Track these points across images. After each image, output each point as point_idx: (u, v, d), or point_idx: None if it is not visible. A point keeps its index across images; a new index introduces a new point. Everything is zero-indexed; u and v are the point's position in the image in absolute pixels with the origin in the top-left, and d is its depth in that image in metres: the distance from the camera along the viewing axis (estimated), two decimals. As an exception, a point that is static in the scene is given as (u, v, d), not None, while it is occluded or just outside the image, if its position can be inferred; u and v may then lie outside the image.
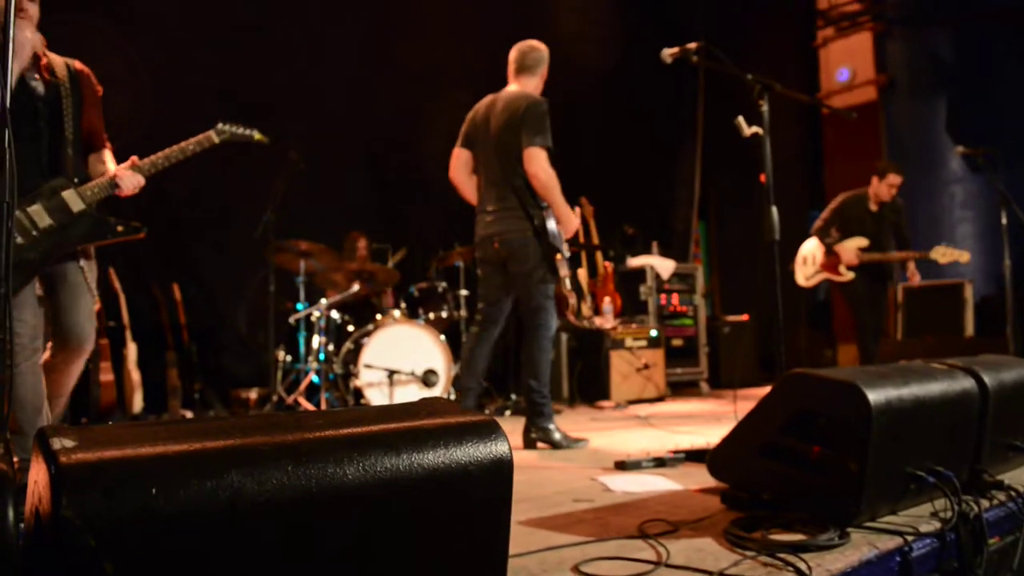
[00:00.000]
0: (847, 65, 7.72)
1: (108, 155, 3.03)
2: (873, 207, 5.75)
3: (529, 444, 3.73)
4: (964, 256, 5.42)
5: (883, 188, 5.67)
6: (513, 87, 4.01)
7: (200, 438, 0.97)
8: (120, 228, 2.86)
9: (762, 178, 2.92)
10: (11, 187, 1.51)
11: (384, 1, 6.94)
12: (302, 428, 1.06)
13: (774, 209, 2.91)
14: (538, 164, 3.67)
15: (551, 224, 3.77)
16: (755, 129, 2.95)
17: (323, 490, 0.99)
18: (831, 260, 5.60)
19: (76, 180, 2.79)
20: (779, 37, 8.18)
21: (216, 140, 3.13)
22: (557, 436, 3.69)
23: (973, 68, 7.05)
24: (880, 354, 5.61)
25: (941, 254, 5.45)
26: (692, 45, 3.18)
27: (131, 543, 0.86)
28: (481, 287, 4.04)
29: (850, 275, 5.57)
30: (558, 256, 3.76)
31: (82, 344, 2.78)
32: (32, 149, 2.67)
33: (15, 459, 1.06)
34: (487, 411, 5.03)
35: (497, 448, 1.17)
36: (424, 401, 1.29)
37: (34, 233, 2.66)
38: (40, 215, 2.66)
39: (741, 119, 2.98)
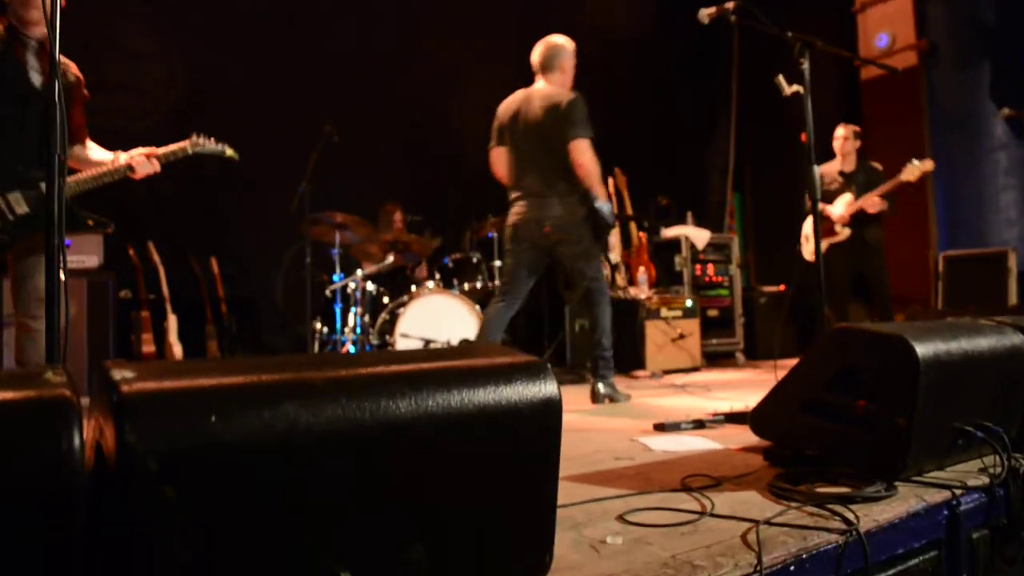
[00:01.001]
0: (886, 30, 7.53)
1: (94, 145, 3.23)
2: (845, 168, 5.68)
3: (598, 399, 4.05)
4: (928, 164, 5.29)
5: (834, 145, 5.60)
6: (541, 84, 4.32)
7: (256, 372, 0.98)
8: (90, 223, 3.04)
9: (803, 137, 2.88)
10: (62, 140, 1.54)
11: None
12: (355, 365, 1.07)
13: (816, 168, 2.86)
14: (584, 154, 4.01)
15: (601, 203, 4.11)
16: (796, 88, 2.90)
17: (377, 423, 1.00)
18: (827, 226, 5.49)
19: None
20: (817, 2, 8.01)
21: (190, 152, 3.35)
22: (617, 391, 4.12)
23: (1018, 31, 6.85)
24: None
25: (909, 172, 5.30)
26: (730, 4, 3.13)
27: (191, 469, 0.88)
28: (509, 264, 4.27)
29: (846, 231, 5.46)
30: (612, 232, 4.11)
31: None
32: (16, 136, 2.76)
33: None
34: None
35: (546, 387, 1.17)
36: (474, 343, 1.29)
37: (9, 218, 2.75)
38: (18, 202, 2.75)
39: (781, 78, 2.93)
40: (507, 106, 4.35)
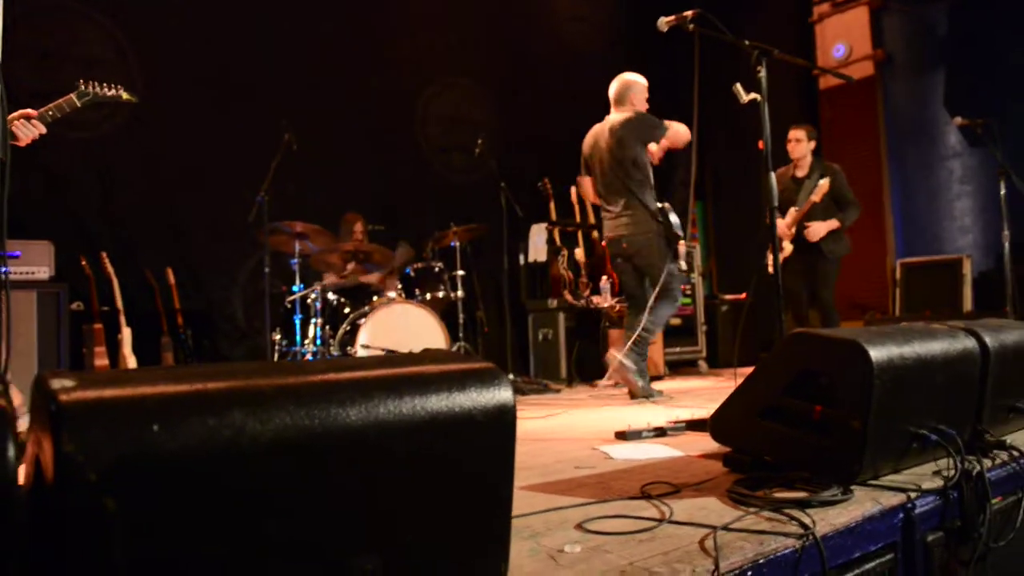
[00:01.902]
0: (843, 41, 7.68)
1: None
2: (798, 173, 5.52)
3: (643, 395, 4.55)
4: (825, 184, 5.18)
5: (787, 148, 5.47)
6: (615, 114, 4.88)
7: (202, 379, 0.96)
8: None
9: (760, 145, 2.91)
10: (4, 143, 1.49)
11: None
12: (305, 372, 1.05)
13: (772, 176, 2.90)
14: (676, 135, 4.68)
15: (673, 217, 4.67)
16: (753, 95, 2.93)
17: (326, 431, 0.98)
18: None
19: None
20: (775, 14, 8.14)
21: (78, 104, 3.00)
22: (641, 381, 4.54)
23: (970, 42, 7.03)
24: None
25: (816, 193, 5.21)
26: (688, 13, 3.17)
27: (132, 479, 0.85)
28: (620, 277, 5.08)
29: (789, 248, 5.35)
30: (681, 243, 4.67)
31: None
32: None
33: None
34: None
35: (500, 394, 1.16)
36: (427, 350, 1.28)
37: None
38: None
39: (739, 86, 2.97)
40: (588, 138, 4.96)
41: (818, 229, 5.26)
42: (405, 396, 1.07)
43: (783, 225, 5.37)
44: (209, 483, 0.90)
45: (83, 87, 2.98)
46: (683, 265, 4.74)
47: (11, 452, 0.80)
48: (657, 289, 4.62)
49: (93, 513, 0.84)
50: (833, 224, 5.27)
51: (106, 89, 3.04)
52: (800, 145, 5.48)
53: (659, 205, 4.72)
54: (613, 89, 4.91)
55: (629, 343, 4.56)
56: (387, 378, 1.09)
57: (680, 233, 4.66)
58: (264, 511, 0.94)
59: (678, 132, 4.67)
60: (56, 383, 0.89)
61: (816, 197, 5.16)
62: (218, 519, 0.91)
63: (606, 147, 4.76)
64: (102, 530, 0.85)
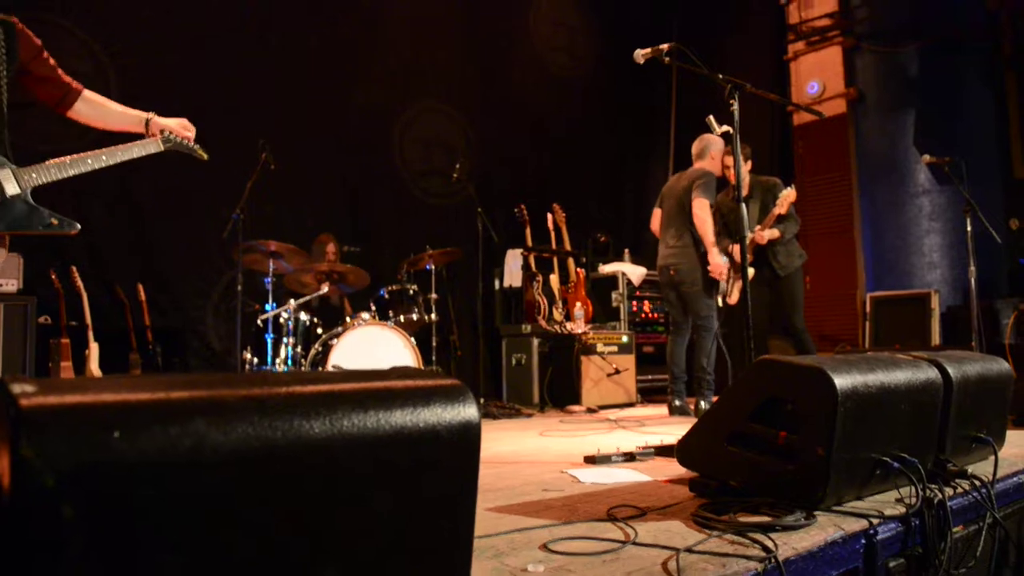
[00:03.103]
0: (817, 79, 7.84)
1: (94, 96, 2.88)
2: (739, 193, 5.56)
3: (680, 412, 5.28)
4: (791, 193, 5.18)
5: (725, 173, 5.44)
6: (695, 166, 5.43)
7: (165, 388, 0.95)
8: (54, 221, 2.70)
9: (730, 176, 2.95)
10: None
11: (359, 5, 6.94)
12: (269, 384, 1.05)
13: (744, 207, 2.94)
14: (701, 207, 5.13)
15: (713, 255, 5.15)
16: (725, 128, 2.98)
17: (289, 442, 0.98)
18: (732, 265, 5.33)
19: (9, 158, 2.58)
20: (751, 51, 8.30)
21: (162, 148, 3.01)
22: None
23: (939, 84, 7.21)
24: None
25: (779, 206, 5.20)
26: (664, 46, 3.22)
27: (91, 486, 0.84)
28: (666, 303, 5.63)
29: (752, 271, 5.22)
30: (730, 277, 5.26)
31: None
32: None
33: None
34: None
35: (465, 411, 1.16)
36: (395, 368, 1.28)
37: None
38: None
39: (712, 118, 3.02)
40: (670, 181, 5.62)
41: (764, 233, 5.27)
42: (370, 410, 1.07)
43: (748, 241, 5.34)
44: (169, 492, 0.89)
45: (166, 133, 2.99)
46: (719, 302, 5.28)
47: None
48: (698, 323, 5.22)
49: (50, 520, 0.83)
50: (775, 234, 5.28)
51: (184, 141, 3.05)
52: (725, 166, 5.44)
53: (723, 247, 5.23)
54: (696, 145, 5.48)
55: (698, 389, 5.22)
56: (352, 392, 1.09)
57: (712, 274, 5.20)
58: (224, 522, 0.94)
59: (704, 220, 5.12)
60: (17, 388, 0.88)
61: (782, 209, 5.21)
62: (177, 529, 0.90)
63: (677, 191, 5.37)
64: (60, 538, 0.84)
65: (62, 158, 2.71)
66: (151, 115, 2.97)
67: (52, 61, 2.75)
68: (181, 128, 3.03)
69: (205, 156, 3.19)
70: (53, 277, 5.00)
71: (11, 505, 0.83)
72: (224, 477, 0.93)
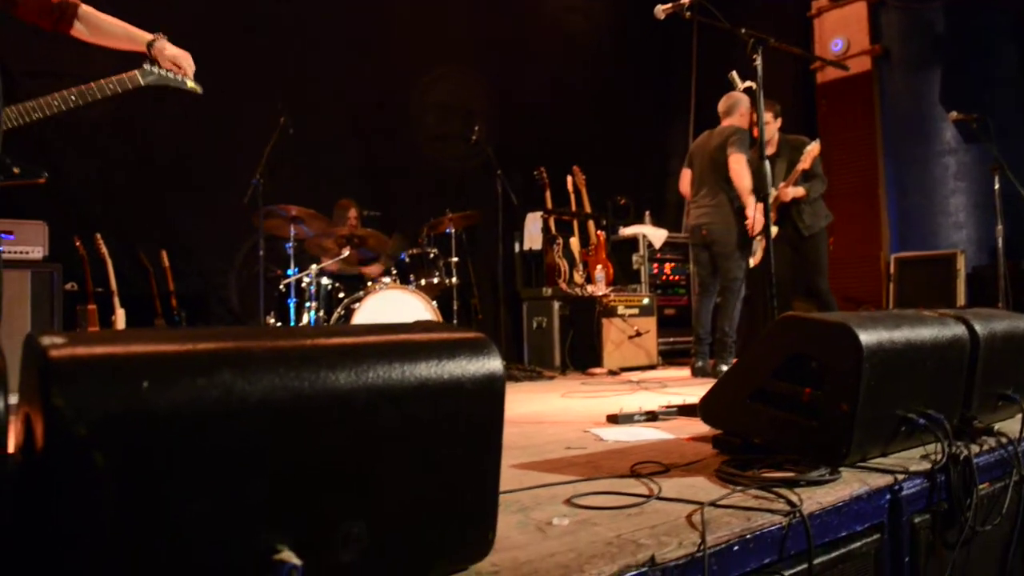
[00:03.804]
0: (841, 35, 7.67)
1: (93, 12, 2.69)
2: (767, 151, 5.43)
3: (703, 373, 5.17)
4: (815, 147, 5.13)
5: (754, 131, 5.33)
6: (724, 124, 5.35)
7: (192, 340, 0.96)
8: (16, 170, 2.51)
9: (755, 132, 2.91)
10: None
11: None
12: (295, 336, 1.06)
13: (767, 164, 2.90)
14: (738, 162, 5.02)
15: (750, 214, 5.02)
16: (748, 83, 2.94)
17: (315, 393, 0.98)
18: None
19: None
20: (773, 8, 8.13)
21: (142, 82, 2.77)
22: None
23: (966, 39, 7.03)
24: None
25: (803, 161, 5.12)
26: (685, 0, 3.16)
27: (121, 435, 0.86)
28: (695, 263, 5.57)
29: (775, 230, 5.13)
30: (759, 238, 5.09)
31: None
32: None
33: None
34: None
35: (490, 363, 1.16)
36: (419, 321, 1.28)
37: None
38: None
39: (735, 74, 2.98)
40: (698, 139, 5.52)
41: (788, 190, 5.21)
42: (395, 362, 1.07)
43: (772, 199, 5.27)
44: (197, 441, 0.90)
45: (148, 66, 2.77)
46: (752, 262, 5.20)
47: (1, 406, 0.80)
48: (726, 284, 5.16)
49: (82, 468, 0.85)
50: (800, 191, 5.22)
51: (171, 72, 2.83)
52: (768, 126, 5.31)
53: (740, 205, 5.11)
54: (723, 103, 5.39)
55: (718, 352, 5.16)
56: (377, 344, 1.09)
57: (750, 233, 5.12)
58: (251, 470, 0.95)
59: (742, 175, 5.00)
60: (46, 340, 0.89)
61: (806, 164, 5.14)
62: (206, 477, 0.91)
63: (710, 149, 5.29)
64: (91, 486, 0.85)
65: (27, 103, 2.53)
66: (158, 36, 2.78)
67: None
68: (179, 59, 2.82)
69: (199, 89, 2.98)
70: (78, 244, 5.05)
71: (45, 453, 0.84)
72: (251, 427, 0.94)
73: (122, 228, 5.51)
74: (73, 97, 2.61)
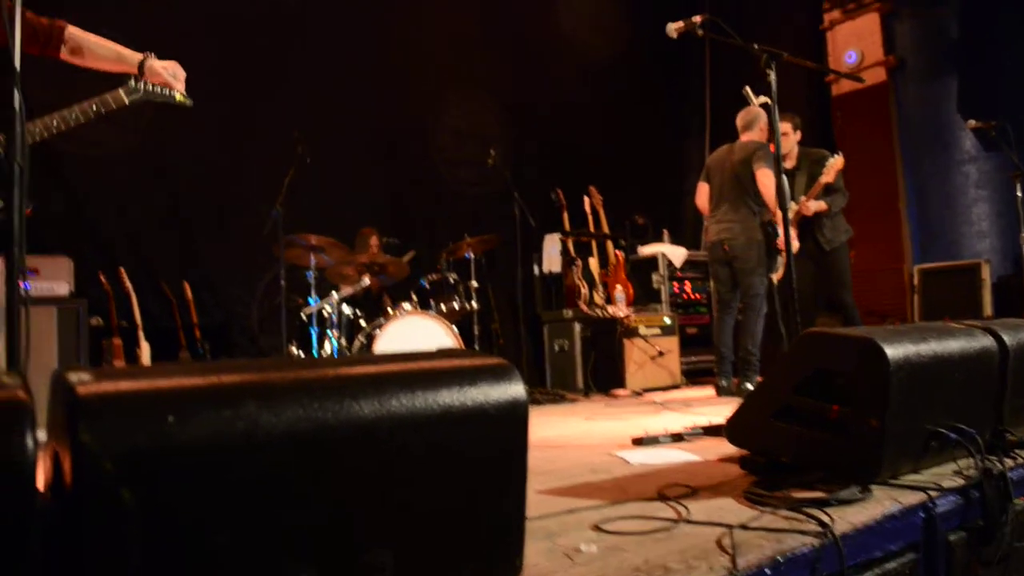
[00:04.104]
0: (855, 47, 7.66)
1: (80, 33, 2.63)
2: (787, 165, 5.34)
3: (728, 392, 5.07)
4: (839, 160, 5.07)
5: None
6: (743, 138, 5.23)
7: (216, 373, 0.97)
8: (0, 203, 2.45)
9: (771, 147, 2.90)
10: (22, 149, 1.51)
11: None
12: (318, 367, 1.06)
13: (784, 179, 2.89)
14: (767, 176, 4.89)
15: (780, 230, 4.77)
16: (763, 99, 2.94)
17: (339, 423, 0.98)
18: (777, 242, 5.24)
19: None
20: (786, 22, 8.14)
21: (126, 100, 2.70)
22: None
23: (982, 46, 7.00)
24: None
25: (826, 174, 5.08)
26: (697, 18, 3.17)
27: (148, 470, 0.86)
28: (714, 280, 5.42)
29: (797, 245, 5.11)
30: (782, 254, 5.07)
31: None
32: None
33: None
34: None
35: (512, 389, 1.16)
36: (441, 348, 1.28)
37: None
38: None
39: (748, 89, 2.98)
40: (716, 153, 5.41)
41: (811, 204, 5.20)
42: (417, 390, 1.07)
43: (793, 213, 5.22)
44: (224, 474, 0.91)
45: (133, 83, 2.70)
46: (774, 278, 5.14)
47: (30, 443, 0.80)
48: (749, 301, 5.07)
49: (110, 504, 0.85)
50: (821, 206, 5.20)
51: (158, 88, 2.76)
52: (787, 138, 5.37)
53: (768, 219, 5.11)
54: (741, 118, 5.23)
55: (742, 370, 5.06)
56: (400, 373, 1.09)
57: (779, 247, 5.06)
58: (278, 503, 0.95)
59: (770, 189, 4.88)
60: (74, 376, 0.90)
61: (829, 177, 5.10)
62: (232, 509, 0.91)
63: (731, 164, 5.20)
64: (119, 521, 0.85)
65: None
66: (147, 55, 2.74)
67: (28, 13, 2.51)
68: (170, 69, 2.78)
69: (189, 102, 2.91)
70: (102, 279, 5.11)
71: (73, 490, 0.85)
72: (276, 458, 0.94)
73: (145, 262, 5.58)
74: (55, 122, 2.53)
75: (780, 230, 4.92)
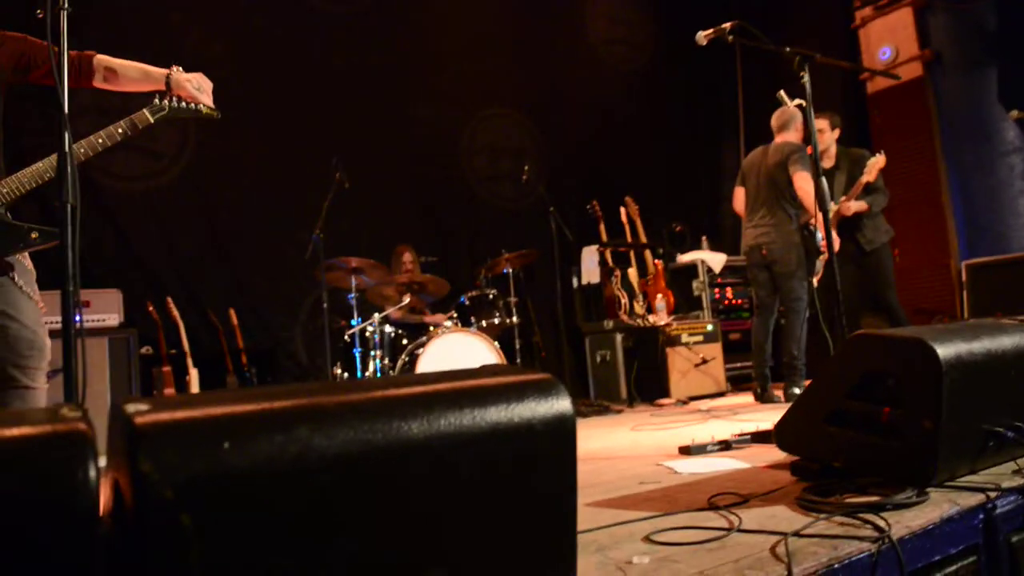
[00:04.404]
0: (889, 44, 7.55)
1: (107, 60, 2.68)
2: (825, 164, 5.29)
3: (768, 399, 5.04)
4: (880, 159, 5.00)
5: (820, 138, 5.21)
6: (778, 140, 5.20)
7: (268, 399, 0.99)
8: (34, 236, 2.45)
9: (808, 150, 2.87)
10: (73, 188, 1.56)
11: (414, 21, 7.04)
12: (367, 389, 1.07)
13: (823, 180, 2.86)
14: (804, 180, 4.81)
15: (818, 233, 4.74)
16: (798, 102, 2.91)
17: (389, 444, 1.00)
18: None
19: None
20: (817, 23, 8.06)
21: (151, 119, 2.69)
22: None
23: (1020, 35, 6.85)
24: None
25: (867, 173, 4.99)
26: (726, 25, 3.16)
27: (206, 495, 0.88)
28: (753, 284, 5.38)
29: (838, 243, 5.05)
30: (822, 257, 4.90)
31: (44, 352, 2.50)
32: None
33: None
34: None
35: (559, 403, 1.16)
36: (486, 365, 1.29)
37: None
38: None
39: (783, 93, 2.96)
40: (750, 157, 5.36)
41: (851, 204, 5.11)
42: (465, 408, 1.08)
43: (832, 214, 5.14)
44: (279, 498, 0.92)
45: (157, 101, 2.70)
46: (815, 282, 5.03)
47: (92, 473, 0.83)
48: (790, 305, 4.99)
49: (170, 530, 0.87)
50: (862, 206, 5.10)
51: (184, 103, 2.76)
52: (823, 135, 5.27)
53: (805, 222, 5.03)
54: (776, 118, 5.24)
55: (787, 376, 5.00)
56: (447, 392, 1.10)
57: (822, 249, 4.81)
58: (333, 525, 0.96)
59: (810, 192, 4.77)
60: (131, 408, 0.92)
61: (871, 176, 5.00)
62: (289, 534, 0.93)
63: (767, 167, 5.14)
64: (179, 546, 0.87)
65: (35, 165, 2.47)
66: (173, 69, 2.76)
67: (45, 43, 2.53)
68: (196, 81, 2.78)
69: (216, 114, 2.90)
70: (151, 309, 5.23)
71: (134, 517, 0.87)
72: (330, 481, 0.96)
73: (191, 290, 5.70)
74: (83, 150, 2.53)
75: (821, 232, 4.84)
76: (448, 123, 7.10)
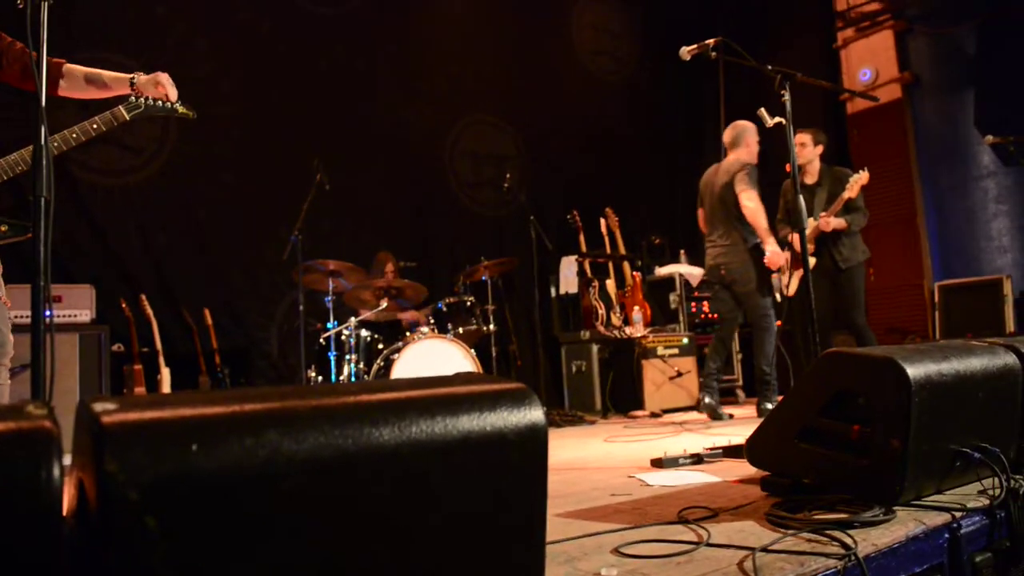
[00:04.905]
0: (869, 65, 7.66)
1: (75, 68, 2.70)
2: (807, 180, 5.23)
3: (711, 412, 5.05)
4: (864, 176, 4.98)
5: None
6: (729, 157, 5.25)
7: (239, 401, 0.98)
8: (3, 228, 2.44)
9: (787, 167, 2.90)
10: (48, 181, 1.54)
11: (410, 25, 7.04)
12: (338, 394, 1.07)
13: (801, 199, 2.89)
14: (750, 198, 4.91)
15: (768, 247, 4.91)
16: (778, 119, 2.94)
17: (360, 450, 0.99)
18: (792, 255, 5.10)
19: None
20: (799, 42, 8.15)
21: (127, 116, 2.69)
22: None
23: (998, 61, 6.97)
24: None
25: (849, 189, 4.95)
26: (710, 41, 3.19)
27: (172, 497, 0.87)
28: (713, 302, 5.51)
29: (813, 261, 4.99)
30: (773, 275, 5.09)
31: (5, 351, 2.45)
32: None
33: None
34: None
35: (531, 414, 1.17)
36: (459, 373, 1.29)
37: None
38: None
39: (763, 110, 2.98)
40: (705, 176, 5.41)
41: (831, 220, 5.04)
42: (437, 416, 1.08)
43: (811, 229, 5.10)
44: (246, 501, 0.91)
45: (133, 99, 2.70)
46: (778, 297, 5.13)
47: (56, 472, 0.82)
48: (756, 322, 5.06)
49: (135, 532, 0.86)
50: (841, 223, 5.05)
51: (159, 101, 2.76)
52: (805, 149, 5.20)
53: (756, 241, 5.01)
54: (727, 134, 5.29)
55: (760, 392, 5.04)
56: (419, 399, 1.10)
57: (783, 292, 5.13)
58: (298, 528, 0.95)
59: (756, 212, 4.89)
60: (99, 406, 0.91)
61: (853, 192, 5.00)
62: (255, 537, 0.92)
63: (717, 186, 5.19)
64: (144, 548, 0.86)
65: (7, 156, 2.46)
66: (137, 74, 2.76)
67: (18, 45, 2.57)
68: (158, 79, 2.77)
69: (191, 114, 2.89)
70: (124, 306, 5.17)
71: (99, 518, 0.86)
72: (298, 485, 0.95)
73: (166, 288, 5.64)
74: (55, 144, 2.51)
75: (770, 252, 4.85)
76: (432, 128, 7.10)
